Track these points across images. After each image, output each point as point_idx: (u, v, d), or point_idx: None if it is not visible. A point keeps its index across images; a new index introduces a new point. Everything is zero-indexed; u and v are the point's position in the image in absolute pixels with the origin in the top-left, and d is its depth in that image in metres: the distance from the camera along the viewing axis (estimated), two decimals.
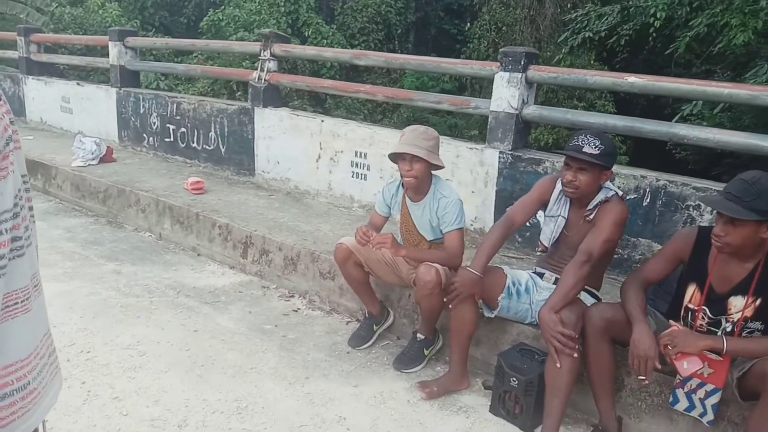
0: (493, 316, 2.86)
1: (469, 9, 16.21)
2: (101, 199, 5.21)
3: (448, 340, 2.94)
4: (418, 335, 3.07)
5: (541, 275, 2.92)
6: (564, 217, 2.79)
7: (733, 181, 2.19)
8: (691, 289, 2.40)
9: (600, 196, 2.69)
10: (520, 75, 3.67)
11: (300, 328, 3.40)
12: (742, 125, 8.19)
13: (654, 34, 8.82)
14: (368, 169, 4.46)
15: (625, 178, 3.41)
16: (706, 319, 2.37)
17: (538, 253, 3.07)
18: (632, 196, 3.38)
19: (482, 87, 14.06)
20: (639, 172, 3.41)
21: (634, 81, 3.37)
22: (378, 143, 4.36)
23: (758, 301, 2.25)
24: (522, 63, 3.65)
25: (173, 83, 11.28)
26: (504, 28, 14.58)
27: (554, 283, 2.81)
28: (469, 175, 3.95)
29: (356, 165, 4.52)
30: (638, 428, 2.60)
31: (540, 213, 2.97)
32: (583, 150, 2.58)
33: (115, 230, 4.90)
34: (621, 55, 10.73)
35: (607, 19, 9.84)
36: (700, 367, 2.20)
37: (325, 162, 4.71)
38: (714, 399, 2.32)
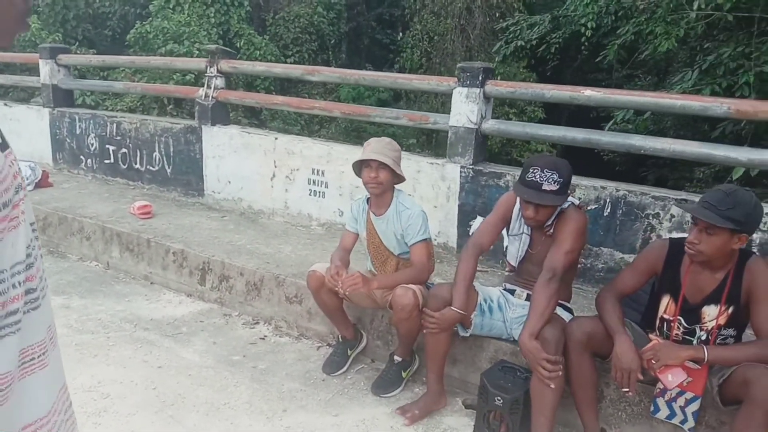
0: (467, 335, 2.85)
1: (400, 19, 16.37)
2: (41, 227, 4.89)
3: (424, 360, 2.92)
4: (395, 357, 3.02)
5: (511, 292, 2.93)
6: (527, 234, 2.79)
7: (711, 191, 2.27)
8: (666, 300, 2.47)
9: (557, 209, 2.68)
10: (478, 90, 3.70)
11: (270, 357, 3.29)
12: (665, 127, 8.58)
13: (586, 43, 9.16)
14: (326, 186, 4.39)
15: (586, 189, 3.49)
16: (682, 329, 2.44)
17: (507, 273, 3.05)
18: (593, 207, 3.46)
19: (417, 96, 14.20)
20: (599, 183, 3.50)
21: (590, 94, 3.46)
22: (336, 160, 4.30)
23: (730, 309, 2.34)
24: (480, 78, 3.69)
25: (99, 98, 10.79)
26: (436, 37, 14.80)
27: (526, 299, 2.83)
28: (431, 190, 3.95)
29: (313, 183, 4.44)
30: None
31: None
32: (543, 188, 2.53)
33: (59, 260, 4.61)
34: (551, 63, 11.08)
35: (538, 28, 10.16)
36: (684, 378, 2.26)
37: (280, 180, 4.61)
38: (694, 406, 2.39)
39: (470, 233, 3.87)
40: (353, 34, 16.76)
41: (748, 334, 2.45)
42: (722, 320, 2.35)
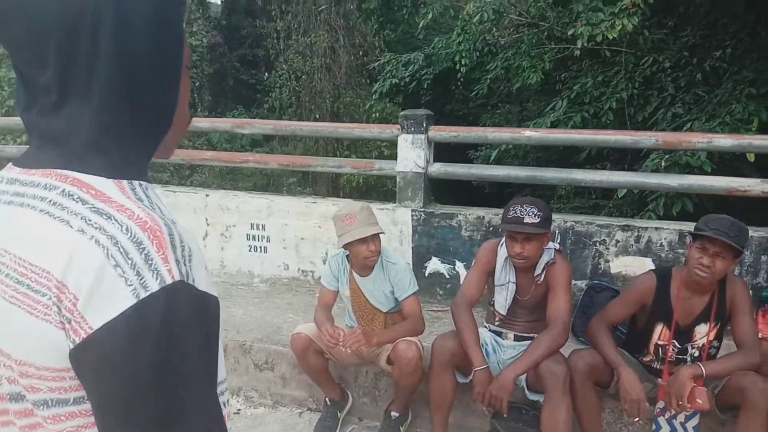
0: (468, 380, 2.87)
1: (264, 60, 16.30)
2: None
3: (428, 411, 2.88)
4: (392, 413, 2.96)
5: (497, 333, 2.99)
6: (514, 283, 2.85)
7: (714, 220, 2.45)
8: (659, 328, 2.66)
9: (544, 258, 2.78)
10: (423, 136, 3.78)
11: None
12: (528, 151, 9.10)
13: (462, 79, 9.73)
14: (268, 240, 4.22)
15: None
16: (676, 350, 2.65)
17: (497, 324, 3.00)
18: None
19: (289, 139, 14.08)
20: None
21: (530, 135, 3.68)
22: (277, 213, 4.16)
23: (718, 325, 2.59)
24: (424, 125, 3.78)
25: None
26: (303, 76, 14.93)
27: (514, 339, 2.92)
28: (383, 235, 3.93)
29: (253, 238, 4.25)
30: None
31: None
32: (525, 221, 2.64)
33: None
34: (424, 98, 11.59)
35: (412, 66, 10.64)
36: (706, 391, 2.44)
37: (214, 238, 4.35)
38: (694, 421, 2.59)
39: (426, 274, 3.92)
40: (217, 75, 16.37)
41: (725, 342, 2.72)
42: (712, 335, 2.59)
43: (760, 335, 2.60)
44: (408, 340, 2.76)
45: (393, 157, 3.89)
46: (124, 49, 0.66)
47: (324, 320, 2.87)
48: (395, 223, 3.92)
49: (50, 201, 0.64)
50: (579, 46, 6.07)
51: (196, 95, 15.33)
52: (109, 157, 0.68)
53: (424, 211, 3.86)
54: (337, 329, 2.74)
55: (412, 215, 3.88)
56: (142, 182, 0.71)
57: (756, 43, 6.45)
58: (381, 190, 13.30)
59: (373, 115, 11.86)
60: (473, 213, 3.79)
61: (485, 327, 3.05)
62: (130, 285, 0.60)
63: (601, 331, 2.66)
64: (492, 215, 3.74)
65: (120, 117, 0.68)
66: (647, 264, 3.49)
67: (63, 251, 0.61)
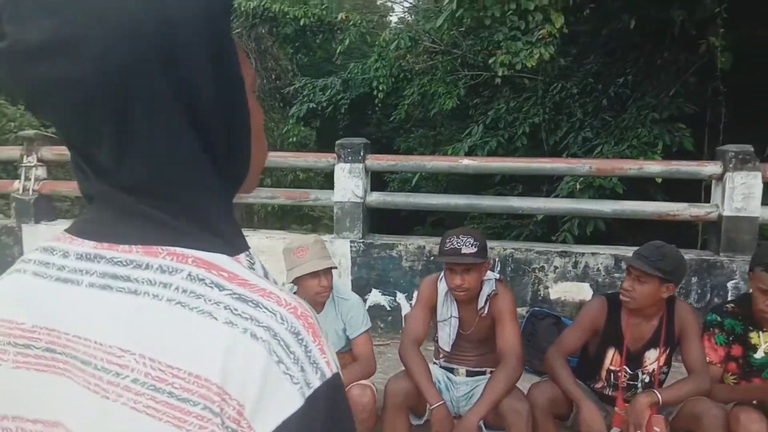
0: (422, 422, 2.77)
1: None
2: None
3: None
4: None
5: (449, 370, 2.91)
6: (456, 317, 2.79)
7: (644, 246, 2.55)
8: (611, 353, 2.68)
9: (486, 290, 2.73)
10: (360, 165, 3.69)
11: None
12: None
13: (379, 104, 9.76)
14: None
15: None
16: (627, 376, 2.67)
17: (442, 360, 2.91)
18: None
19: None
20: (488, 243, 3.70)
21: (468, 163, 3.68)
22: None
23: (667, 350, 2.63)
24: (361, 153, 3.69)
25: None
26: None
27: (466, 375, 2.85)
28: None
29: None
30: None
31: None
32: (463, 252, 2.60)
33: None
34: (342, 122, 11.56)
35: (330, 91, 10.60)
36: (663, 418, 2.45)
37: None
38: None
39: (366, 308, 3.80)
40: None
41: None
42: (662, 361, 2.63)
43: (707, 359, 2.66)
44: (362, 384, 2.62)
45: (308, 181, 3.77)
46: (195, 100, 0.54)
47: None
48: (333, 255, 3.76)
49: (176, 287, 0.52)
50: (500, 74, 6.21)
51: None
52: (213, 226, 0.56)
53: (363, 242, 3.76)
54: None
55: (351, 246, 3.77)
56: (249, 251, 0.60)
57: (653, 71, 6.86)
58: (297, 214, 13.06)
59: (290, 139, 11.65)
60: (414, 243, 3.73)
61: (435, 363, 2.96)
62: (296, 383, 0.52)
63: (558, 363, 2.64)
64: (433, 244, 3.69)
65: (210, 178, 0.57)
66: (585, 289, 3.55)
67: (214, 350, 0.50)
